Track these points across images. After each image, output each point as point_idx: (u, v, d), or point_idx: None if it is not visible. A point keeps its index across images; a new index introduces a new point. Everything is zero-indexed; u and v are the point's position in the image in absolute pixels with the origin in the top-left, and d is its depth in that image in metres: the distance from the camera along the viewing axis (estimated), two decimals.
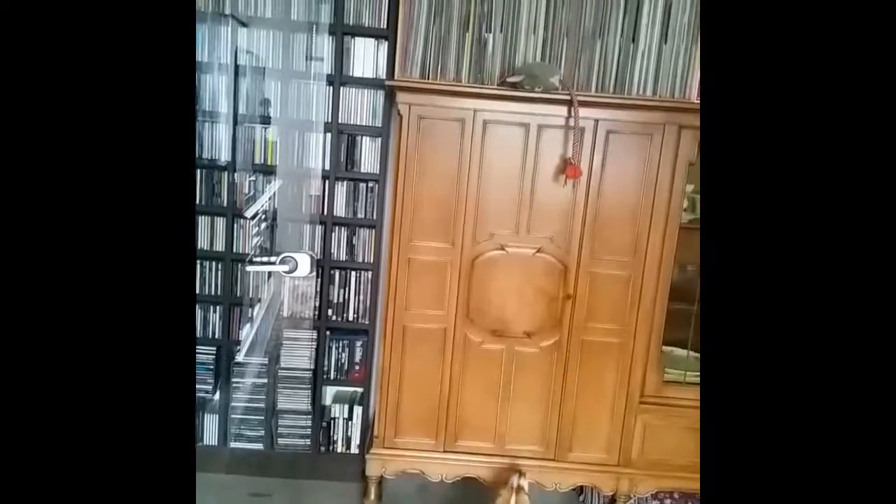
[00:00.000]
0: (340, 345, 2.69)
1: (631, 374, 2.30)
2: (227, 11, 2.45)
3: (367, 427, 2.67)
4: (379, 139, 2.54)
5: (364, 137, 2.56)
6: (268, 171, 2.60)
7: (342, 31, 2.46)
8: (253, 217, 2.62)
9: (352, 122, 2.54)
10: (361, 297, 2.66)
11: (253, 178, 2.62)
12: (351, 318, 2.67)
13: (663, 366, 2.34)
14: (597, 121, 2.14)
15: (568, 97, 2.10)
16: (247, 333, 2.69)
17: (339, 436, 2.74)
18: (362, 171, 2.58)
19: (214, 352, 2.68)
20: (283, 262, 2.15)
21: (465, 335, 2.29)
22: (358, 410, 2.71)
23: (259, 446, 2.72)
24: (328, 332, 2.68)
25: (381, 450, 2.36)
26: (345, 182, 2.59)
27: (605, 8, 2.31)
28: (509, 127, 2.16)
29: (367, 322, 2.66)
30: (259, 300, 2.73)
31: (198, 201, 2.59)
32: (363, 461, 2.41)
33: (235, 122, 2.53)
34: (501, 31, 2.32)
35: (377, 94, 2.52)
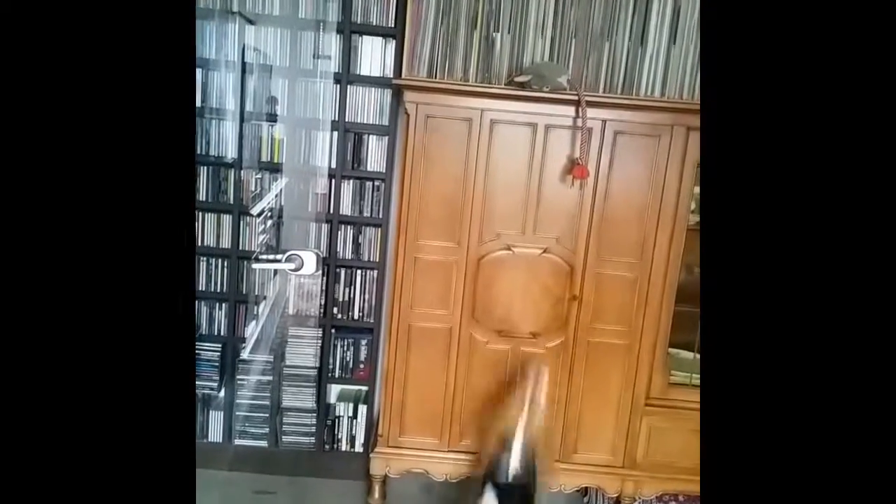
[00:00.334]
0: (345, 343, 2.69)
1: (637, 376, 2.30)
2: (235, 9, 2.45)
3: (371, 426, 2.68)
4: (386, 138, 2.54)
5: (371, 136, 2.55)
6: (274, 168, 2.60)
7: (350, 30, 2.45)
8: (259, 214, 2.62)
9: (359, 121, 2.54)
10: (367, 296, 2.66)
11: (259, 175, 2.62)
12: (356, 317, 2.68)
13: (669, 368, 2.34)
14: (604, 121, 2.14)
15: (576, 97, 2.09)
16: (252, 331, 2.70)
17: (343, 434, 2.74)
18: (369, 169, 2.58)
19: (220, 349, 2.68)
20: (289, 259, 2.15)
21: (471, 335, 2.28)
22: (362, 409, 2.72)
23: (263, 444, 2.72)
24: (333, 331, 2.68)
25: (385, 449, 2.36)
26: (351, 180, 2.59)
27: (613, 8, 2.30)
28: (517, 127, 2.15)
29: (372, 321, 2.67)
30: (264, 298, 2.73)
31: (204, 198, 2.60)
32: (367, 460, 2.41)
33: (242, 120, 2.54)
34: (509, 30, 2.31)
35: (384, 93, 2.51)
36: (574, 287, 2.24)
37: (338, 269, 2.64)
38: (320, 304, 2.66)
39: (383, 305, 2.63)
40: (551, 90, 2.10)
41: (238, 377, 2.68)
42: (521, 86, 2.14)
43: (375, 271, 2.63)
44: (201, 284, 2.66)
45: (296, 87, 2.53)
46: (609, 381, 2.31)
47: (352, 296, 2.66)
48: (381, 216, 2.59)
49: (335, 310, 2.67)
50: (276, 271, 2.62)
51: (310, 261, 2.14)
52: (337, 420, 2.73)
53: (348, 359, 2.70)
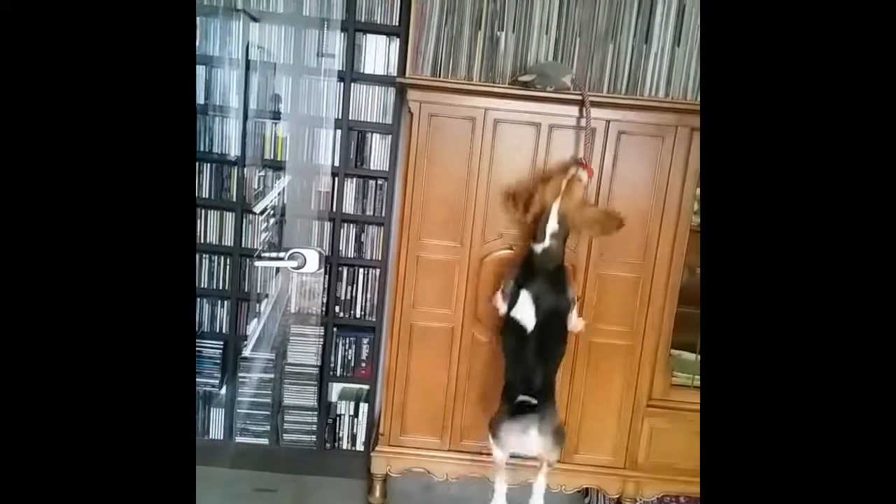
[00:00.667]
0: (347, 342, 2.69)
1: (639, 377, 2.29)
2: (239, 6, 2.45)
3: (372, 424, 2.67)
4: (389, 136, 2.54)
5: (374, 134, 2.55)
6: (277, 166, 2.60)
7: (354, 28, 2.45)
8: (262, 212, 2.62)
9: (362, 119, 2.54)
10: (369, 295, 2.66)
11: (262, 173, 2.62)
12: (358, 315, 2.67)
13: (671, 369, 2.33)
14: (608, 121, 2.13)
15: (580, 97, 2.09)
16: (254, 328, 2.70)
17: (344, 433, 2.74)
18: (372, 168, 2.57)
19: (221, 346, 2.68)
20: (291, 257, 2.14)
21: (473, 335, 2.28)
22: (364, 408, 2.71)
23: (264, 441, 2.72)
24: (335, 329, 2.68)
25: (386, 447, 2.36)
26: (354, 179, 2.59)
27: (618, 8, 2.29)
28: (520, 126, 2.15)
29: (374, 319, 2.67)
30: (266, 295, 2.73)
31: (207, 195, 2.60)
32: (368, 458, 2.41)
33: (246, 118, 2.54)
34: (514, 30, 2.31)
35: (388, 92, 2.51)
36: (576, 287, 2.23)
37: (340, 268, 2.64)
38: (322, 303, 2.66)
39: (385, 304, 2.63)
40: (555, 90, 2.10)
41: (239, 375, 2.68)
42: (525, 85, 2.14)
43: (378, 270, 2.63)
44: (203, 282, 2.66)
45: (299, 84, 2.53)
46: (611, 381, 2.30)
47: (354, 294, 2.66)
48: (383, 215, 2.59)
49: (337, 308, 2.66)
50: (278, 269, 2.62)
51: (312, 259, 2.14)
52: (338, 418, 2.73)
53: (350, 357, 2.70)
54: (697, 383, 2.33)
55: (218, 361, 2.69)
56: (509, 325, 2.01)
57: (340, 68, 2.48)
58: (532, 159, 2.16)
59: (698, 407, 2.30)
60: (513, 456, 2.08)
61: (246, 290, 2.68)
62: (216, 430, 2.74)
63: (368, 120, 2.54)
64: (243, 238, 2.63)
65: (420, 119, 2.15)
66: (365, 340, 2.68)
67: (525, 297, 1.96)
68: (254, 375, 2.69)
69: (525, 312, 1.96)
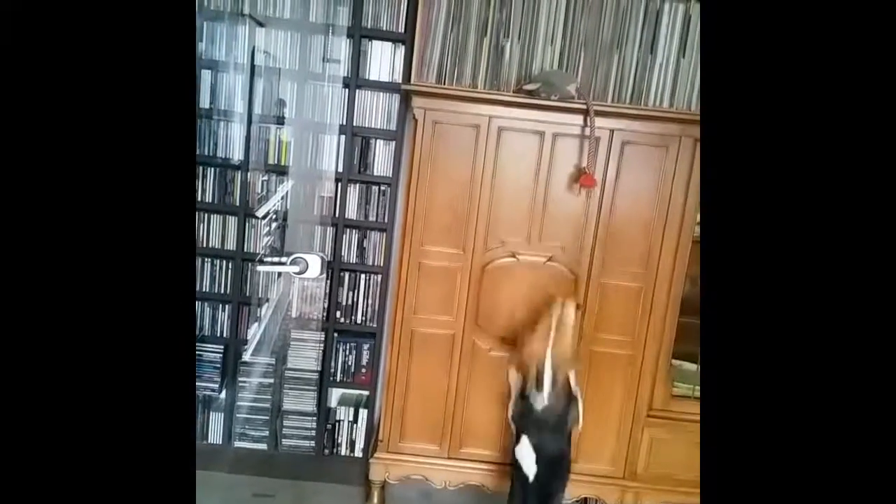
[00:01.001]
0: (348, 347, 2.68)
1: (639, 387, 2.29)
2: (246, 11, 2.46)
3: (371, 431, 2.67)
4: (393, 143, 2.54)
5: (378, 140, 2.56)
6: (280, 171, 2.61)
7: (360, 34, 2.46)
8: (264, 217, 2.62)
9: (366, 125, 2.55)
10: (370, 301, 2.66)
11: (265, 177, 2.62)
12: (359, 321, 2.67)
13: (672, 379, 2.33)
14: (612, 131, 2.13)
15: (584, 106, 2.09)
16: (254, 333, 2.69)
17: (343, 438, 2.73)
18: (375, 174, 2.58)
19: (222, 350, 2.68)
20: (293, 262, 2.14)
21: (474, 342, 2.28)
22: (363, 414, 2.71)
23: (263, 446, 2.72)
24: (336, 334, 2.68)
25: (385, 454, 2.36)
26: (357, 185, 2.59)
27: (623, 19, 2.30)
28: (524, 134, 2.15)
29: (375, 325, 2.66)
30: (267, 300, 2.73)
31: (210, 199, 2.60)
32: (367, 465, 2.41)
33: (250, 122, 2.54)
34: (519, 39, 2.31)
35: (392, 98, 2.52)
36: (578, 296, 2.23)
37: (342, 273, 2.64)
38: (323, 308, 2.65)
39: (386, 310, 2.62)
40: (560, 98, 2.10)
41: (239, 379, 2.68)
42: (530, 94, 2.14)
43: (379, 276, 2.63)
44: (205, 285, 2.66)
45: (304, 90, 2.54)
46: (611, 391, 2.30)
47: (355, 300, 2.66)
48: (386, 221, 2.59)
49: (338, 313, 2.66)
50: (279, 274, 2.62)
51: (314, 264, 2.14)
52: (337, 424, 2.72)
53: (350, 363, 2.69)
54: (698, 394, 2.33)
55: (218, 365, 2.69)
56: (513, 463, 2.00)
57: (345, 74, 2.49)
58: (535, 167, 2.17)
59: (699, 418, 2.29)
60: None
61: (247, 294, 2.68)
62: (215, 435, 2.73)
63: (372, 126, 2.55)
64: (245, 242, 2.63)
65: (424, 126, 2.15)
66: (365, 346, 2.68)
67: (526, 443, 1.95)
68: (254, 380, 2.69)
69: (526, 459, 1.94)
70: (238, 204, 2.60)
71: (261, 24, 2.49)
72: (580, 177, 2.12)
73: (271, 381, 2.68)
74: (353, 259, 2.63)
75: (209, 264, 2.66)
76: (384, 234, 2.60)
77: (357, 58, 2.48)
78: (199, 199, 2.59)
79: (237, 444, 2.71)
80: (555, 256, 2.22)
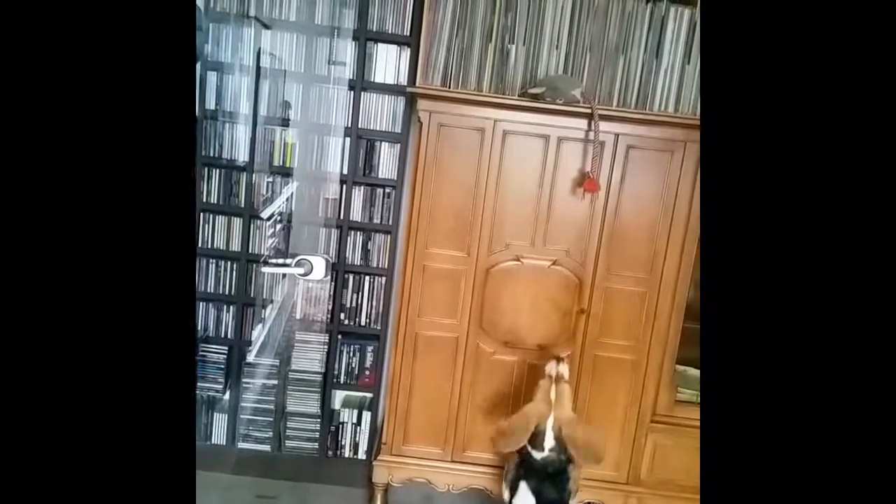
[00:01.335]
0: (352, 349, 2.69)
1: (643, 392, 2.28)
2: (252, 13, 2.47)
3: (375, 433, 2.67)
4: (398, 145, 2.55)
5: (383, 143, 2.56)
6: (285, 172, 2.61)
7: (365, 37, 2.46)
8: (269, 218, 2.63)
9: (371, 128, 2.55)
10: (374, 303, 2.66)
11: (270, 179, 2.63)
12: (363, 323, 2.67)
13: (676, 385, 2.32)
14: (617, 135, 2.13)
15: (589, 111, 2.09)
16: (258, 334, 2.70)
17: (346, 441, 2.73)
18: (380, 176, 2.58)
19: (226, 351, 2.69)
20: (298, 264, 2.15)
21: (478, 345, 2.28)
22: (367, 416, 2.71)
23: (266, 448, 2.72)
24: (340, 336, 2.68)
25: (388, 457, 2.36)
26: (362, 187, 2.59)
27: (629, 24, 2.30)
28: (529, 138, 2.15)
29: (379, 327, 2.66)
30: (272, 301, 2.74)
31: (215, 200, 2.61)
32: (370, 467, 2.41)
33: (255, 124, 2.55)
34: (524, 43, 2.31)
35: (398, 101, 2.52)
36: (582, 300, 2.23)
37: (346, 275, 2.64)
38: (327, 310, 2.66)
39: (390, 312, 2.63)
40: (565, 103, 2.10)
41: (243, 380, 2.68)
42: (535, 97, 2.14)
43: (384, 278, 2.63)
44: (210, 286, 2.66)
45: (310, 92, 2.54)
46: (615, 396, 2.29)
47: (359, 302, 2.66)
48: (390, 223, 2.59)
49: (342, 315, 2.67)
50: (284, 275, 2.62)
51: (319, 266, 2.15)
52: (341, 426, 2.73)
53: (354, 365, 2.70)
54: None
55: (222, 366, 2.69)
56: None
57: (351, 76, 2.50)
58: (540, 171, 2.17)
59: None
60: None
61: (252, 295, 2.68)
62: (219, 436, 2.74)
63: (378, 128, 2.55)
64: (250, 243, 2.64)
65: (429, 129, 2.15)
66: (369, 348, 2.68)
67: (524, 490, 1.94)
68: (257, 381, 2.69)
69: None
70: (243, 205, 2.60)
71: (266, 27, 2.49)
72: (584, 181, 2.12)
73: (275, 382, 2.68)
74: (358, 261, 2.64)
75: (214, 265, 2.66)
76: (389, 237, 2.61)
77: (362, 60, 2.48)
78: (204, 199, 2.60)
79: (240, 445, 2.72)
80: (559, 260, 2.22)
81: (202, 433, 2.73)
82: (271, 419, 2.71)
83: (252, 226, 2.63)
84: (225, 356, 2.69)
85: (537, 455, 1.93)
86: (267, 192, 2.62)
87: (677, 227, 2.18)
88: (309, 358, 2.67)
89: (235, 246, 2.64)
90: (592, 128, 2.09)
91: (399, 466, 2.36)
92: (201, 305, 2.68)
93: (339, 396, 2.80)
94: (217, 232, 2.64)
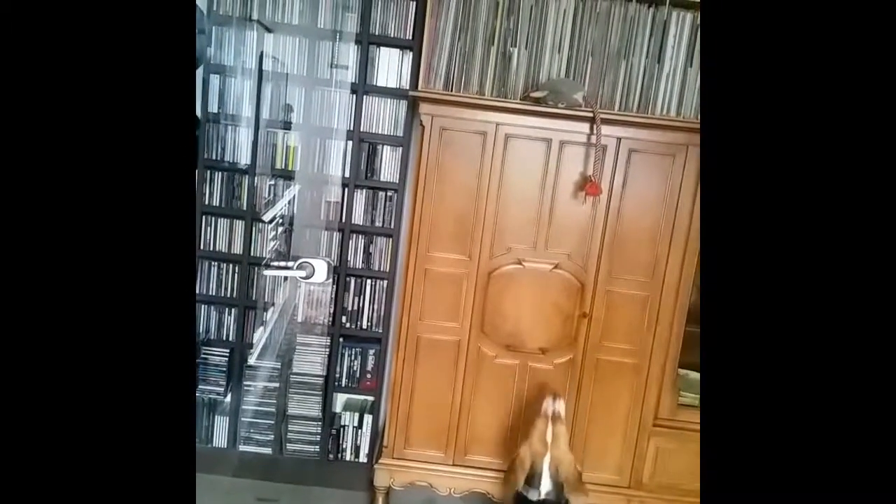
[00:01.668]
0: (353, 352, 2.68)
1: (645, 396, 2.28)
2: (254, 17, 2.47)
3: (376, 436, 2.66)
4: (400, 149, 2.55)
5: (385, 146, 2.56)
6: (287, 176, 2.61)
7: (368, 41, 2.47)
8: (271, 221, 2.63)
9: (373, 131, 2.55)
10: (376, 306, 2.66)
11: (272, 182, 2.63)
12: (365, 326, 2.67)
13: (678, 389, 2.32)
14: (619, 139, 2.13)
15: (591, 114, 2.09)
16: (260, 337, 2.70)
17: (348, 444, 2.73)
18: (382, 179, 2.58)
19: (227, 354, 2.68)
20: (300, 267, 2.15)
21: (479, 348, 2.28)
22: (368, 419, 2.71)
23: (268, 451, 2.72)
24: (341, 339, 2.68)
25: (389, 460, 2.36)
26: (364, 190, 2.59)
27: (631, 28, 2.30)
28: (531, 142, 2.15)
29: (380, 331, 2.66)
30: (273, 304, 2.74)
31: (217, 203, 2.61)
32: (371, 471, 2.41)
33: (258, 127, 2.55)
34: (526, 47, 2.32)
35: (400, 104, 2.52)
36: (584, 304, 2.23)
37: (348, 278, 2.64)
38: (329, 313, 2.66)
39: (392, 316, 2.62)
40: (567, 106, 2.10)
41: (244, 383, 2.68)
42: (537, 101, 2.14)
43: (385, 281, 2.63)
44: (211, 289, 2.66)
45: (312, 95, 2.54)
46: (617, 399, 2.29)
47: (361, 305, 2.66)
48: (392, 226, 2.59)
49: (344, 319, 2.66)
50: (286, 278, 2.62)
51: (321, 269, 2.15)
52: (342, 429, 2.72)
53: (355, 368, 2.69)
54: None
55: (223, 369, 2.69)
56: None
57: (353, 80, 2.50)
58: (542, 175, 2.17)
59: None
60: None
61: (253, 298, 2.68)
62: (220, 439, 2.74)
63: (380, 132, 2.55)
64: (252, 246, 2.64)
65: (431, 132, 2.16)
66: (371, 352, 2.68)
67: None
68: (259, 384, 2.69)
69: None
70: (245, 208, 2.60)
71: (269, 30, 2.50)
72: (586, 185, 2.12)
73: (276, 385, 2.68)
74: (360, 264, 2.64)
75: (216, 268, 2.66)
76: (390, 240, 2.60)
77: (365, 64, 2.48)
78: (207, 202, 2.60)
79: (242, 448, 2.72)
80: (561, 264, 2.22)
81: (203, 436, 2.73)
82: (272, 422, 2.70)
83: (254, 229, 2.63)
84: (226, 359, 2.68)
85: (533, 496, 1.93)
86: (269, 194, 2.62)
87: (679, 231, 2.18)
88: (310, 361, 2.67)
89: (237, 249, 2.64)
90: (594, 131, 2.10)
91: (400, 470, 2.35)
92: (203, 308, 2.68)
93: (340, 400, 2.80)
94: (219, 235, 2.64)
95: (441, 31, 2.32)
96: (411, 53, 2.47)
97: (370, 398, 2.74)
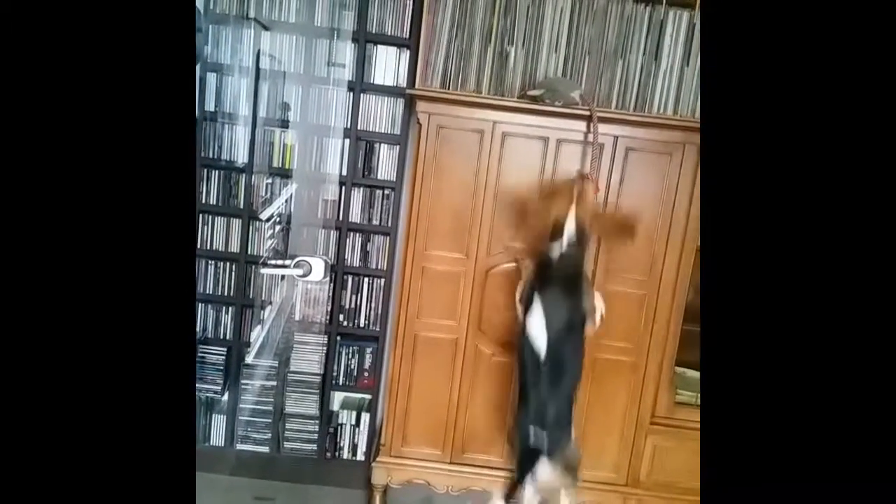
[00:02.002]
0: (350, 351, 2.68)
1: (642, 394, 2.28)
2: (251, 14, 2.47)
3: (374, 435, 2.67)
4: (397, 147, 2.55)
5: (382, 144, 2.56)
6: (284, 174, 2.61)
7: (364, 39, 2.47)
8: (268, 219, 2.63)
9: (370, 129, 2.55)
10: (373, 304, 2.66)
11: (270, 180, 2.63)
12: (362, 325, 2.67)
13: (675, 387, 2.32)
14: (616, 137, 2.13)
15: (588, 113, 2.09)
16: (257, 335, 2.70)
17: (345, 442, 2.73)
18: (379, 177, 2.58)
19: (225, 352, 2.68)
20: (297, 265, 2.15)
21: (477, 346, 2.28)
22: (365, 417, 2.71)
23: (265, 449, 2.72)
24: (339, 338, 2.68)
25: (387, 458, 2.36)
26: (361, 188, 2.59)
27: (628, 26, 2.30)
28: (528, 140, 2.15)
29: (378, 329, 2.66)
30: (271, 303, 2.74)
31: (214, 202, 2.61)
32: (369, 469, 2.41)
33: (255, 125, 2.55)
34: (523, 45, 2.32)
35: (397, 102, 2.52)
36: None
37: (345, 277, 2.64)
38: (326, 311, 2.66)
39: (389, 314, 2.62)
40: (564, 105, 2.10)
41: (242, 381, 2.68)
42: (534, 99, 2.14)
43: (383, 280, 2.63)
44: (209, 288, 2.66)
45: (309, 93, 2.54)
46: (614, 398, 2.29)
47: (358, 303, 2.66)
48: (389, 224, 2.59)
49: (341, 317, 2.67)
50: (283, 276, 2.62)
51: (318, 267, 2.15)
52: (339, 428, 2.73)
53: (353, 366, 2.70)
54: None
55: (221, 367, 2.69)
56: (523, 346, 1.88)
57: (350, 78, 2.50)
58: (539, 173, 2.17)
59: None
60: None
61: (251, 296, 2.68)
62: (217, 437, 2.74)
63: (377, 130, 2.55)
64: (249, 244, 2.64)
65: (428, 130, 2.15)
66: (368, 350, 2.68)
67: (537, 306, 1.83)
68: (256, 382, 2.69)
69: (536, 329, 1.83)
70: (242, 206, 2.60)
71: (266, 28, 2.49)
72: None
73: (274, 383, 2.68)
74: (357, 262, 2.64)
75: (213, 266, 2.66)
76: (388, 238, 2.61)
77: (362, 62, 2.48)
78: (204, 201, 2.60)
79: (239, 446, 2.72)
80: None
81: (201, 434, 2.73)
82: (270, 420, 2.70)
83: (251, 227, 2.63)
84: (224, 357, 2.69)
85: (555, 253, 1.83)
86: (266, 193, 2.62)
87: (676, 230, 2.18)
88: (308, 359, 2.67)
89: (234, 247, 2.64)
90: (591, 130, 2.10)
91: (398, 468, 2.36)
92: (200, 307, 2.68)
93: (337, 398, 2.80)
94: (216, 233, 2.64)
95: (438, 29, 2.32)
96: (408, 51, 2.47)
97: (367, 396, 2.74)
